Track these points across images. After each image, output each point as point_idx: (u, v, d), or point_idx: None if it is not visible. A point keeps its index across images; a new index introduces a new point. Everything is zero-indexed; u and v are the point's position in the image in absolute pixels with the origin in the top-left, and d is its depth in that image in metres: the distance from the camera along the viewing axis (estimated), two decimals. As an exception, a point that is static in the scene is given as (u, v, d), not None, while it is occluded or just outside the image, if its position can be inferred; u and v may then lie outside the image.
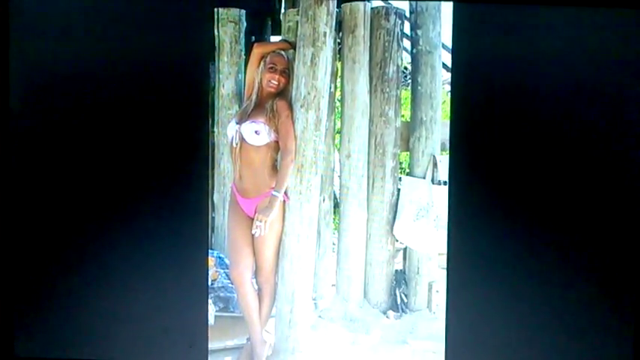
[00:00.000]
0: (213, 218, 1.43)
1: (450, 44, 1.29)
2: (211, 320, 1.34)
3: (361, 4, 1.39)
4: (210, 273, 1.33)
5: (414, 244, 1.43)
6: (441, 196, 1.35)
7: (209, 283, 1.31)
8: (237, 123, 1.37)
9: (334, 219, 1.47)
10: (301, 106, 1.36)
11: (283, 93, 1.39)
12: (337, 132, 1.45)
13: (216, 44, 1.40)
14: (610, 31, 1.22)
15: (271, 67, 1.38)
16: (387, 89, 1.41)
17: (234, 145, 1.37)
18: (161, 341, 1.28)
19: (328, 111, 1.39)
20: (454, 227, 1.27)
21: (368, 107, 1.42)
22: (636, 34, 1.21)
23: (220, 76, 1.42)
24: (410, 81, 1.44)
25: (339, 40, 1.41)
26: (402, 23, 1.41)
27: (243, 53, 1.43)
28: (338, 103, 1.45)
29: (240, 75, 1.43)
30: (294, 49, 1.37)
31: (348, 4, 1.39)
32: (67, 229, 1.26)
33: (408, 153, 1.45)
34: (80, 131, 1.25)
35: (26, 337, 1.28)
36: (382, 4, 1.41)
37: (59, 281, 1.27)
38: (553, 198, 1.24)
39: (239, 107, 1.42)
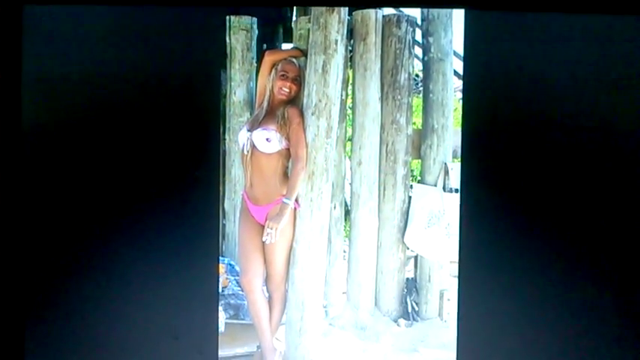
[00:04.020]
0: (224, 225, 1.43)
1: (461, 51, 1.29)
2: (222, 327, 1.34)
3: (372, 11, 1.39)
4: (220, 280, 1.34)
5: (426, 252, 1.43)
6: (452, 204, 1.35)
7: (220, 290, 1.32)
8: (248, 130, 1.37)
9: (345, 226, 1.47)
10: (312, 114, 1.36)
11: (294, 100, 1.39)
12: (348, 139, 1.45)
13: (228, 52, 1.41)
14: (625, 39, 1.21)
15: (283, 75, 1.38)
16: (399, 97, 1.41)
17: (246, 152, 1.37)
18: (171, 348, 1.28)
19: (339, 118, 1.39)
20: (466, 235, 1.26)
21: (379, 115, 1.42)
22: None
23: (232, 83, 1.43)
24: (421, 88, 1.44)
25: (350, 48, 1.41)
26: (414, 31, 1.41)
27: (254, 61, 1.43)
28: (349, 111, 1.45)
29: (251, 82, 1.43)
30: (306, 57, 1.38)
31: (360, 11, 1.40)
32: (76, 236, 1.26)
33: (420, 160, 1.45)
34: (92, 138, 1.26)
35: (36, 344, 1.28)
36: (394, 11, 1.41)
37: (69, 288, 1.27)
38: (566, 206, 1.23)
39: (250, 115, 1.42)
